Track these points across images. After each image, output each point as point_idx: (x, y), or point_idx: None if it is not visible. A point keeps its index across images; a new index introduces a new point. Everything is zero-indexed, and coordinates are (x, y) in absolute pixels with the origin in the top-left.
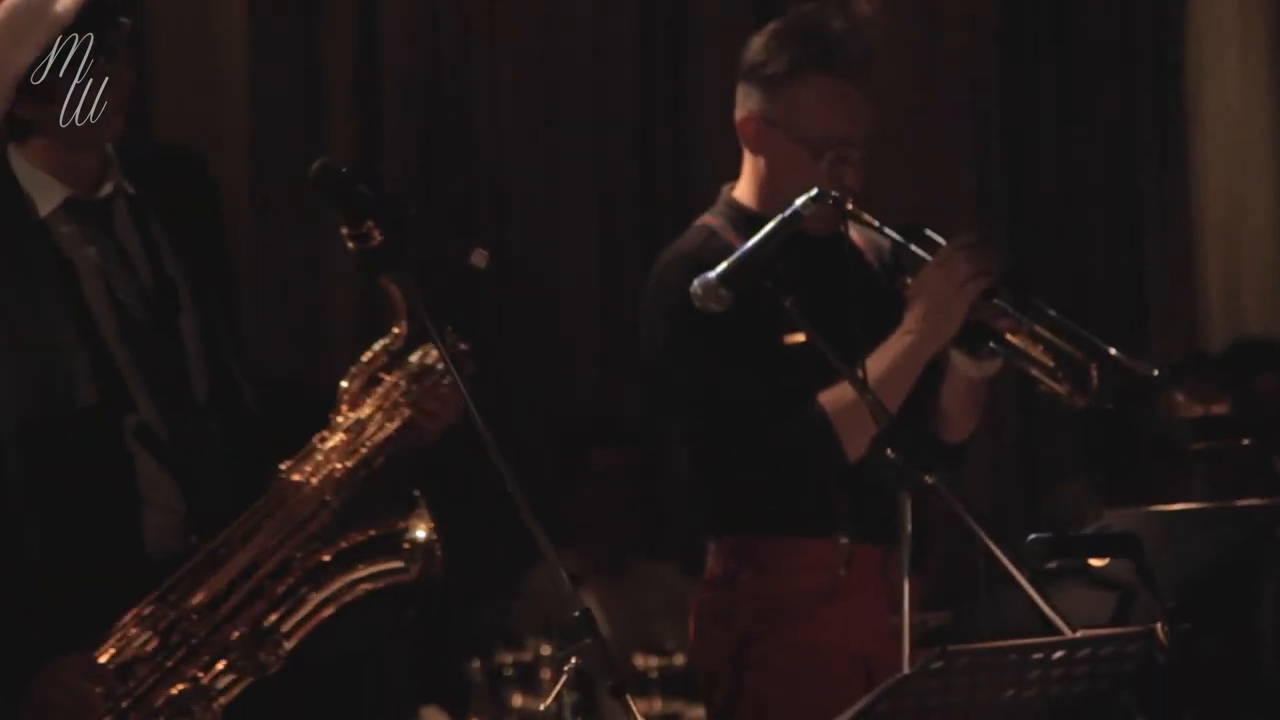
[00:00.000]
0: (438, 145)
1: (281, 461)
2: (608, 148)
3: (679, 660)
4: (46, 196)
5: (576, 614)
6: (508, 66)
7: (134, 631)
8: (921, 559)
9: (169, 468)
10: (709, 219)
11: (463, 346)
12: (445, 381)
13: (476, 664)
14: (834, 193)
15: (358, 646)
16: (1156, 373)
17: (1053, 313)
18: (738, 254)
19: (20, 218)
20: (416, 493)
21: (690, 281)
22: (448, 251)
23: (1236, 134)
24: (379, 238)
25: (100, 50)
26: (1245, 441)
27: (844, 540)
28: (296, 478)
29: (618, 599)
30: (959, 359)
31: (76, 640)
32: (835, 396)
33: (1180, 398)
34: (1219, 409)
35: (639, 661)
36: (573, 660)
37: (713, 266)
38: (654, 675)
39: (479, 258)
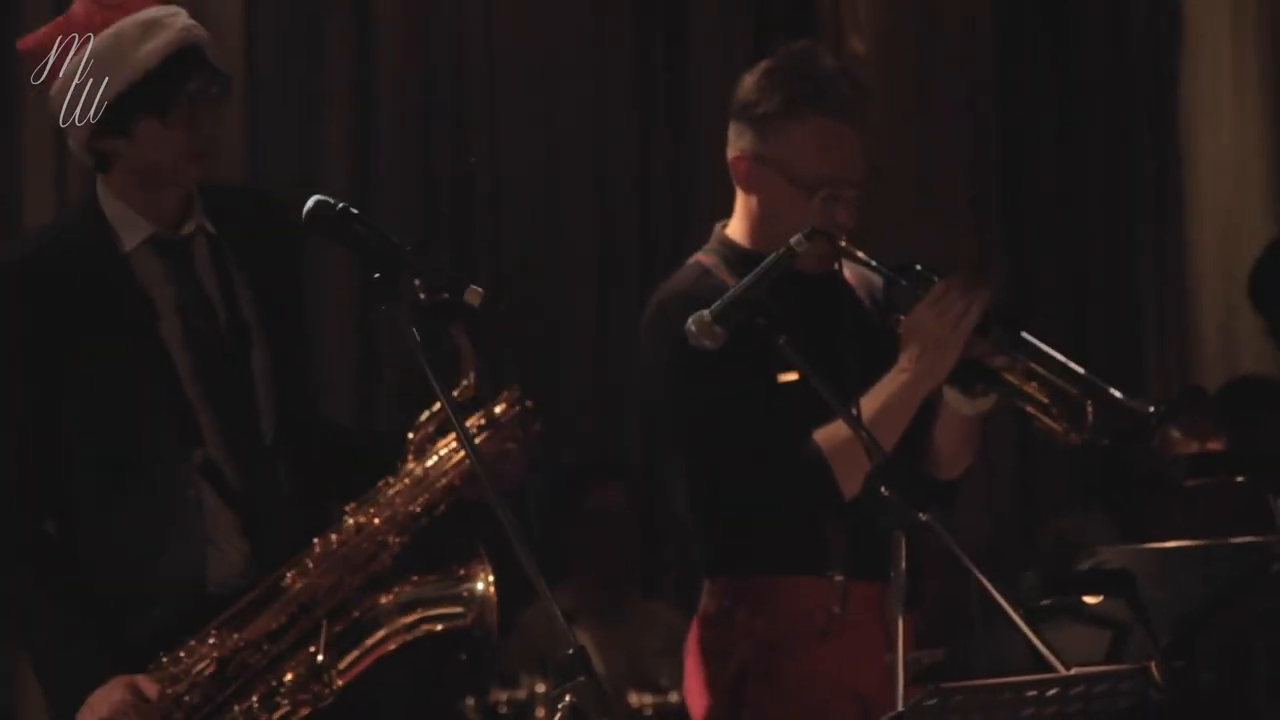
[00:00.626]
0: (434, 184)
1: (346, 503)
2: (606, 187)
3: (674, 698)
4: (131, 232)
5: (571, 651)
6: (505, 119)
7: (192, 658)
8: (917, 596)
9: (233, 505)
10: (702, 257)
11: (529, 404)
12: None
13: (471, 702)
14: (827, 230)
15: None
16: (1151, 410)
17: (1047, 349)
18: (732, 291)
19: (107, 250)
20: (480, 544)
21: (685, 319)
22: (443, 289)
23: (1231, 173)
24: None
25: (179, 99)
26: (1240, 479)
27: (839, 578)
28: (360, 519)
29: (614, 637)
30: (952, 396)
31: (135, 666)
32: (830, 434)
33: (1176, 434)
34: (1214, 445)
35: (634, 700)
36: (567, 698)
37: (707, 304)
38: (649, 713)
39: (473, 295)
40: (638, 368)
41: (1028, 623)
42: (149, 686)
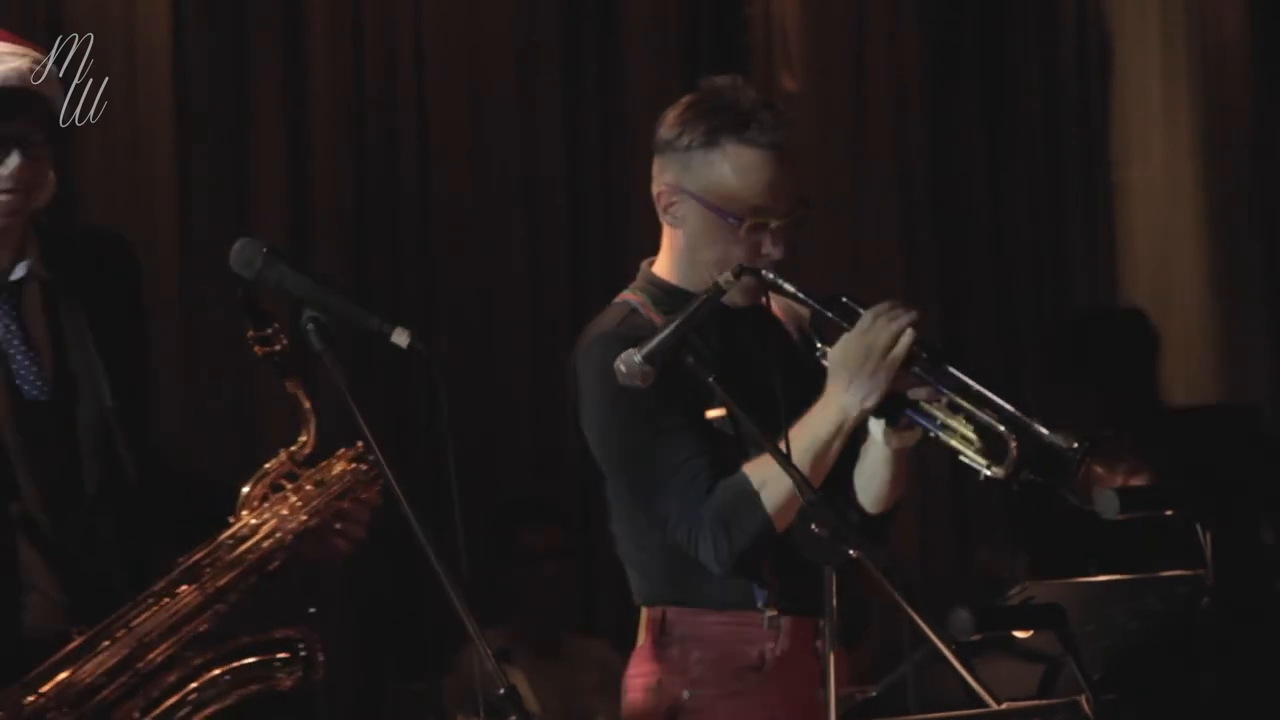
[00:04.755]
0: (368, 227)
1: (179, 556)
2: (540, 226)
3: None
4: None
5: (502, 691)
6: (439, 158)
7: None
8: (859, 633)
9: (49, 557)
10: (629, 295)
11: (366, 465)
12: (360, 491)
13: None
14: (752, 266)
15: None
16: (1075, 445)
17: (972, 382)
18: (660, 331)
19: None
20: (312, 609)
21: (613, 358)
22: (371, 329)
23: (1163, 204)
24: (284, 343)
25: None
26: (1169, 512)
27: (773, 613)
28: (188, 575)
29: (549, 676)
30: (877, 429)
31: None
32: (758, 466)
33: (1100, 470)
34: (1138, 480)
35: None
36: None
37: (634, 343)
38: None
39: (400, 335)
40: (570, 408)
41: (959, 657)
42: None
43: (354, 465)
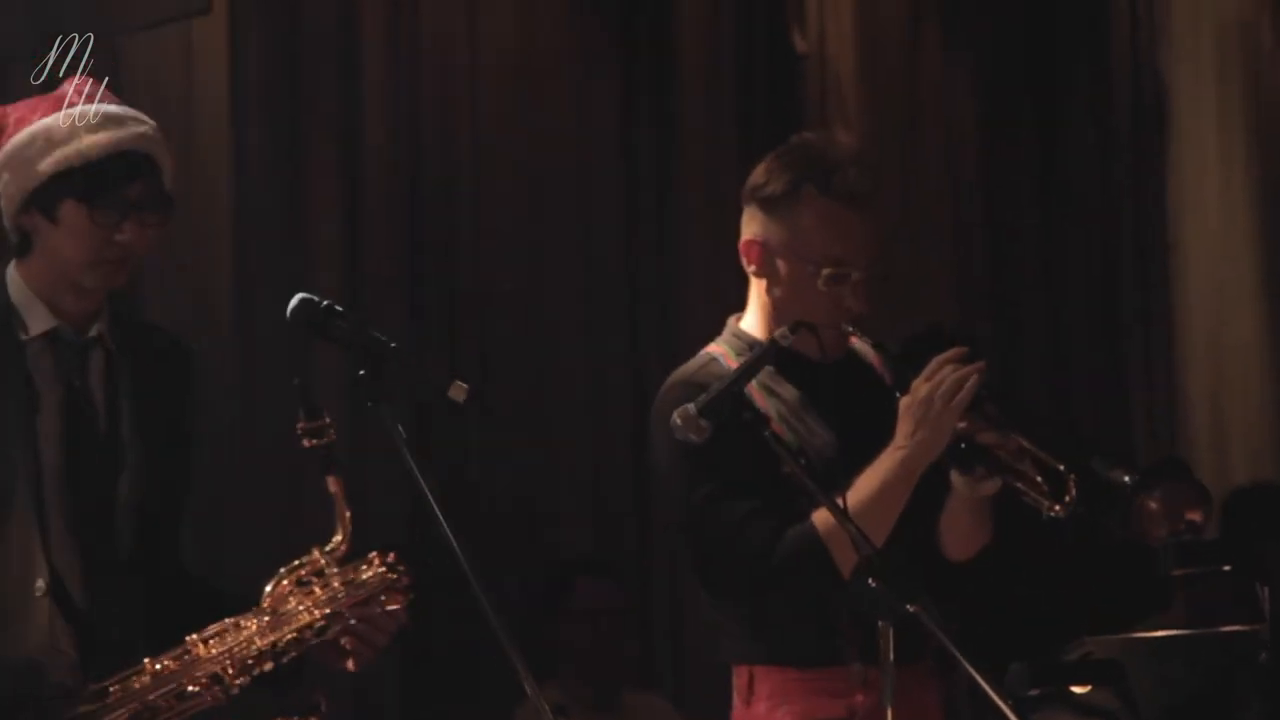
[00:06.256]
0: (422, 276)
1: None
2: (594, 290)
3: None
4: (35, 321)
5: None
6: (488, 205)
7: None
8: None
9: (71, 620)
10: (713, 347)
11: (399, 572)
12: (389, 600)
13: None
14: (809, 323)
15: None
16: (1128, 479)
17: (1031, 423)
18: (717, 385)
19: (6, 334)
20: (320, 698)
21: (683, 404)
22: (429, 383)
23: (1219, 263)
24: (333, 438)
25: (110, 197)
26: (1226, 567)
27: (857, 666)
28: (199, 650)
29: None
30: (956, 479)
31: None
32: (825, 517)
33: (1154, 505)
34: (1194, 516)
35: None
36: None
37: (706, 389)
38: None
39: (457, 391)
40: (650, 456)
41: (1016, 713)
42: None
43: (384, 570)
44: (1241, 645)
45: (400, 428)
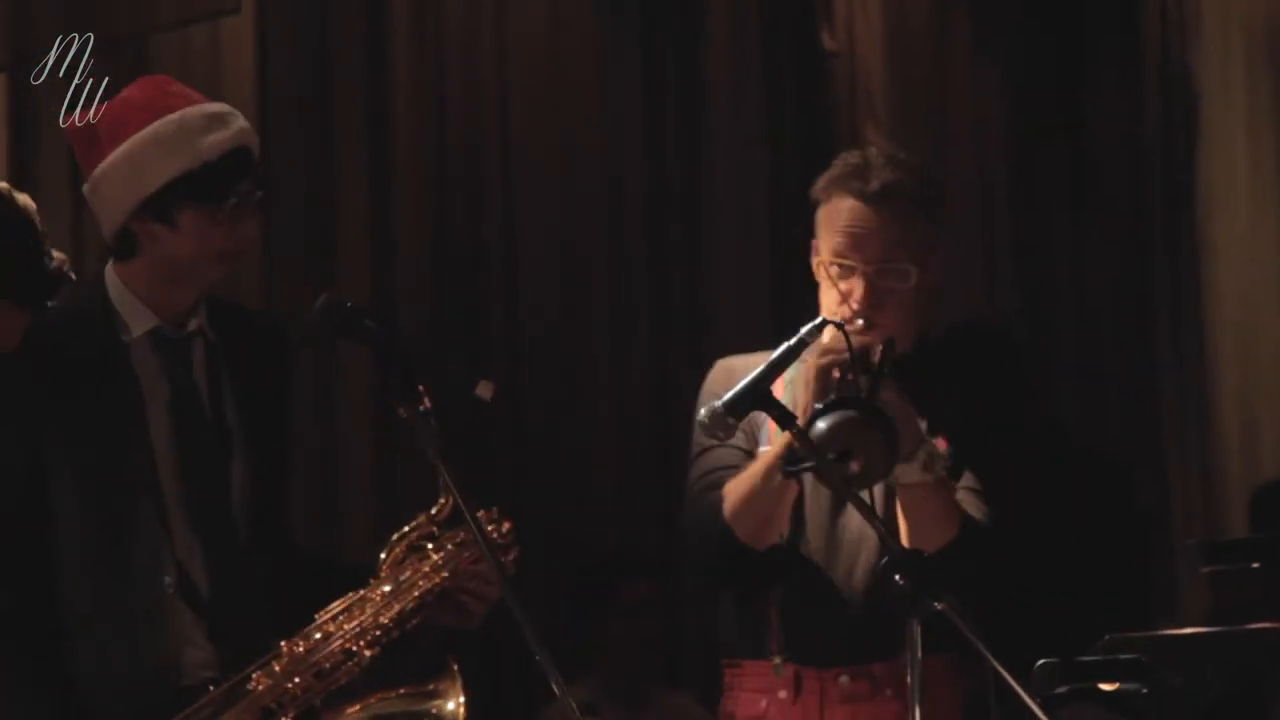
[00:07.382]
0: (450, 275)
1: (318, 610)
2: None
3: None
4: (136, 322)
5: None
6: (518, 199)
7: None
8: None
9: (200, 611)
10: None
11: (506, 526)
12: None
13: None
14: (834, 319)
15: None
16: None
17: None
18: (743, 383)
19: (109, 337)
20: (454, 663)
21: (718, 385)
22: (455, 382)
23: (1248, 263)
24: (428, 405)
25: (230, 195)
26: (1256, 565)
27: (777, 660)
28: (330, 627)
29: None
30: (899, 470)
31: None
32: (734, 487)
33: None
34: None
35: None
36: None
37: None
38: None
39: (484, 389)
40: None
41: (1043, 710)
42: None
43: (491, 528)
44: (1271, 643)
45: (431, 422)
